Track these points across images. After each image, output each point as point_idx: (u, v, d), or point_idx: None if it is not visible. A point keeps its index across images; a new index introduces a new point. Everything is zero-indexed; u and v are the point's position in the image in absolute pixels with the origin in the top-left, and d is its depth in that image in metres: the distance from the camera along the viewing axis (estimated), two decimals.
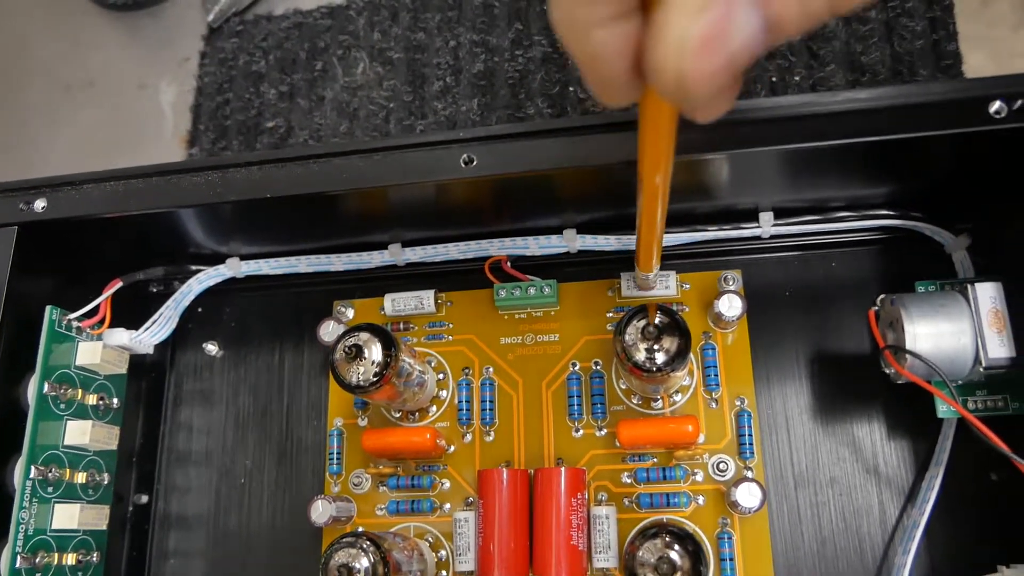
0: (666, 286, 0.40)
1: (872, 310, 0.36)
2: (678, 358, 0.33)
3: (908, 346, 0.33)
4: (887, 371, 0.36)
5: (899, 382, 0.35)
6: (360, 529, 0.39)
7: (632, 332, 0.33)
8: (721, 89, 0.18)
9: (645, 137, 0.24)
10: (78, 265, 0.41)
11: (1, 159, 0.61)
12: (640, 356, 0.33)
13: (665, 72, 0.17)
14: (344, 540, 0.33)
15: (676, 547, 0.31)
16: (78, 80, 0.61)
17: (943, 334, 0.33)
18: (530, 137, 0.33)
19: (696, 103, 0.18)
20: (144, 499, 0.44)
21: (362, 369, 0.35)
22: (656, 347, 0.33)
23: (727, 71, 0.17)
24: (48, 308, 0.39)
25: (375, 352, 0.35)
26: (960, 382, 0.35)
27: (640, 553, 0.31)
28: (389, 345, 0.35)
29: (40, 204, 0.37)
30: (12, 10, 0.65)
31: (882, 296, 0.37)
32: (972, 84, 0.32)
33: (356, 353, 0.34)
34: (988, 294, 0.33)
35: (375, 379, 0.34)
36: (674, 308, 0.36)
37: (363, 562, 0.33)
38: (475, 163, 0.33)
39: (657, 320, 0.33)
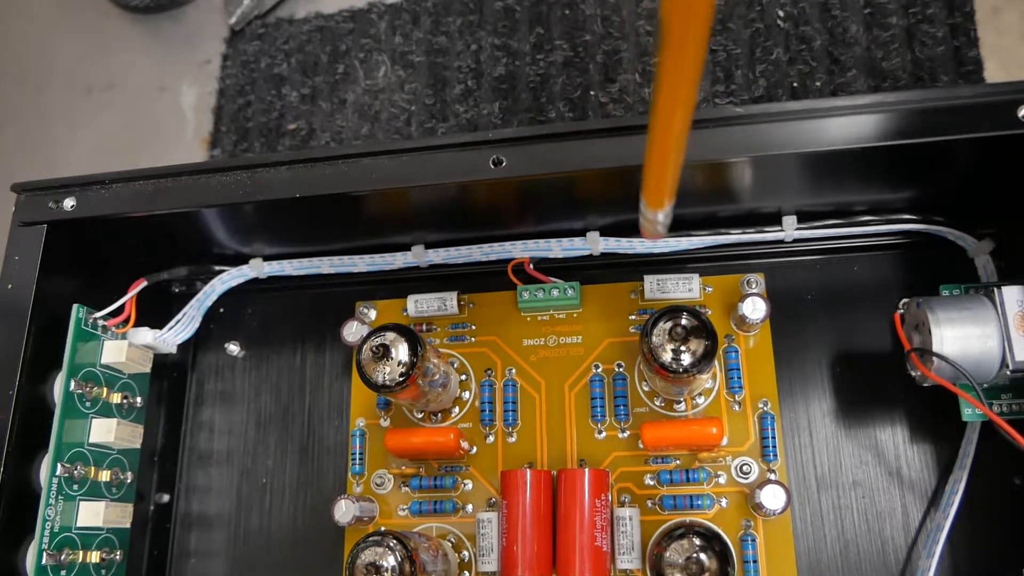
0: (689, 289, 0.40)
1: (897, 313, 0.36)
2: (704, 359, 0.33)
3: (935, 348, 0.33)
4: (913, 374, 0.36)
5: (925, 385, 0.35)
6: (383, 529, 0.39)
7: (659, 333, 0.33)
8: None
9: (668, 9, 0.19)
10: (104, 264, 0.41)
11: (22, 161, 0.61)
12: (667, 357, 0.33)
13: None
14: (371, 539, 0.33)
15: (704, 547, 0.31)
16: (99, 82, 0.62)
17: (970, 337, 0.33)
18: (559, 139, 0.33)
19: None
20: (165, 498, 0.44)
21: (388, 369, 0.35)
22: (683, 348, 0.33)
23: None
24: (75, 306, 0.39)
25: (402, 352, 0.35)
26: (985, 385, 0.35)
27: (668, 554, 0.31)
28: (416, 345, 0.35)
29: (69, 203, 0.38)
30: (33, 13, 0.66)
31: (907, 300, 0.37)
32: (1000, 88, 0.32)
33: (383, 353, 0.35)
34: (1015, 297, 0.33)
35: (401, 379, 0.34)
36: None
37: (390, 560, 0.33)
38: (504, 164, 0.34)
39: (684, 321, 0.33)
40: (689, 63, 0.20)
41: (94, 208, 0.37)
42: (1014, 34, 0.48)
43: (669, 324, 0.33)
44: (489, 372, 0.41)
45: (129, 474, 0.41)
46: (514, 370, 0.41)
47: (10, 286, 0.37)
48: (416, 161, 0.35)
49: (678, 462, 0.38)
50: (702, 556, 0.31)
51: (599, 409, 0.39)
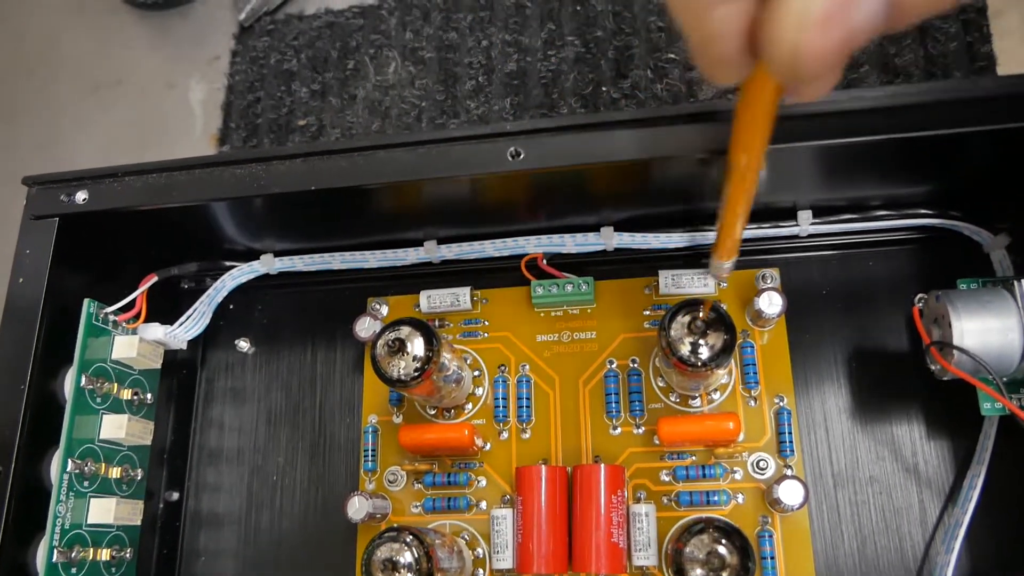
0: (704, 284, 0.40)
1: (916, 307, 0.36)
2: (723, 353, 0.33)
3: (955, 342, 0.33)
4: (932, 367, 0.35)
5: (944, 379, 0.35)
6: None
7: (678, 326, 0.33)
8: (832, 66, 0.18)
9: (742, 116, 0.25)
10: (114, 259, 0.41)
11: (30, 158, 0.61)
12: (685, 350, 0.33)
13: (782, 45, 0.17)
14: (387, 535, 0.33)
15: (724, 542, 0.31)
16: (107, 79, 0.61)
17: (990, 330, 0.33)
18: (578, 130, 0.33)
19: (806, 79, 0.18)
20: (175, 496, 0.43)
21: (403, 363, 0.34)
22: (701, 342, 0.33)
23: (842, 49, 0.17)
24: (86, 301, 0.38)
25: (417, 346, 0.34)
26: (1005, 379, 0.35)
27: (688, 549, 0.31)
28: (431, 339, 0.35)
29: (81, 196, 0.37)
30: (42, 9, 0.66)
31: (923, 295, 0.37)
32: (1017, 80, 0.32)
33: (398, 347, 0.34)
34: None
35: (416, 373, 0.34)
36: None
37: (407, 556, 0.32)
38: (522, 156, 0.33)
39: (703, 315, 0.33)
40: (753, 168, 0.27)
41: (106, 201, 0.37)
42: (1015, 37, 0.48)
43: (687, 317, 0.33)
44: (503, 368, 0.41)
45: (139, 471, 0.41)
46: (528, 366, 0.41)
47: (21, 280, 0.37)
48: (433, 153, 0.34)
49: (694, 458, 0.38)
50: (723, 551, 0.31)
51: (614, 405, 0.39)
